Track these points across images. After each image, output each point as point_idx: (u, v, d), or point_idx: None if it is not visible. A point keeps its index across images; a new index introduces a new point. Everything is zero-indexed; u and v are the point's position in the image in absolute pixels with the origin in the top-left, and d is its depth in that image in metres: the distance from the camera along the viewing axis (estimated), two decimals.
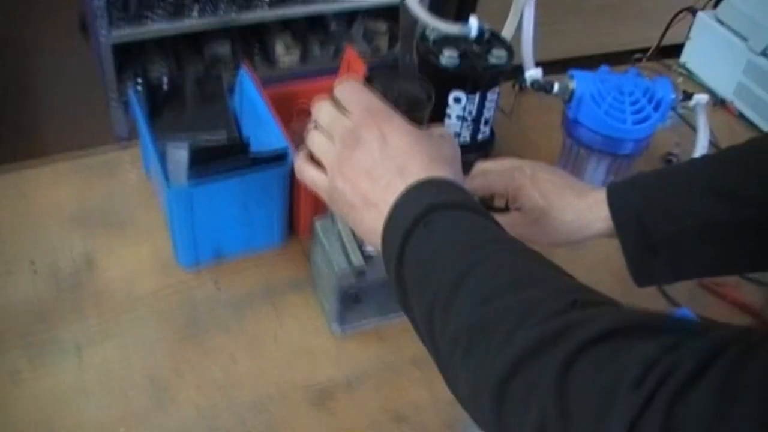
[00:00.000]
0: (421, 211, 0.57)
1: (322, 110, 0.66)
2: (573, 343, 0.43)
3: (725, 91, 1.48)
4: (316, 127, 0.67)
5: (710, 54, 1.51)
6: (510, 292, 0.50)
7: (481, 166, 0.90)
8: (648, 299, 1.04)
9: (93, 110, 2.75)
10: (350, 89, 0.66)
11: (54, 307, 0.94)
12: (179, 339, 0.93)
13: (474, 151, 1.16)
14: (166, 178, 0.95)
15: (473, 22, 1.11)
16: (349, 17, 2.93)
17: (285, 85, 1.20)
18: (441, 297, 0.53)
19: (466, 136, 1.14)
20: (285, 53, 2.81)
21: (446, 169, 0.62)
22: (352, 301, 0.98)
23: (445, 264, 0.54)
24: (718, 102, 1.47)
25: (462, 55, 1.08)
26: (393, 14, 2.89)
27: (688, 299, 1.04)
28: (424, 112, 0.74)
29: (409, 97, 0.75)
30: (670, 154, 1.31)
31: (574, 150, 1.15)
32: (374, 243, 0.62)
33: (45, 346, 0.90)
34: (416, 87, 0.77)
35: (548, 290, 0.49)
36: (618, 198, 0.79)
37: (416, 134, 0.63)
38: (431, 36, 1.13)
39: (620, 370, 0.40)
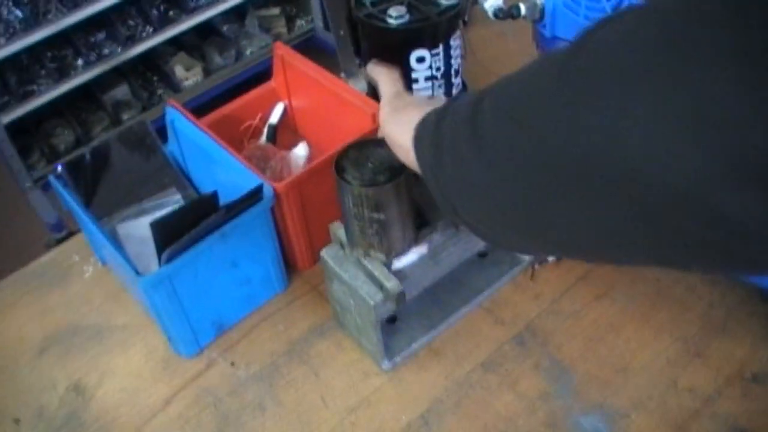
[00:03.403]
0: None
1: None
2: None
3: None
4: None
5: None
6: None
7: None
8: None
9: (14, 207, 2.49)
10: None
11: None
12: None
13: None
14: (132, 267, 0.78)
15: None
16: (239, 13, 2.73)
17: (219, 110, 1.04)
18: None
19: (440, 95, 0.99)
20: (186, 74, 2.61)
21: None
22: (388, 326, 0.84)
23: None
24: None
25: (410, 9, 0.93)
26: None
27: None
28: (405, 173, 0.66)
29: (386, 164, 0.67)
30: None
31: None
32: None
33: None
34: (388, 151, 0.65)
35: None
36: None
37: None
38: (367, 0, 0.97)
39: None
